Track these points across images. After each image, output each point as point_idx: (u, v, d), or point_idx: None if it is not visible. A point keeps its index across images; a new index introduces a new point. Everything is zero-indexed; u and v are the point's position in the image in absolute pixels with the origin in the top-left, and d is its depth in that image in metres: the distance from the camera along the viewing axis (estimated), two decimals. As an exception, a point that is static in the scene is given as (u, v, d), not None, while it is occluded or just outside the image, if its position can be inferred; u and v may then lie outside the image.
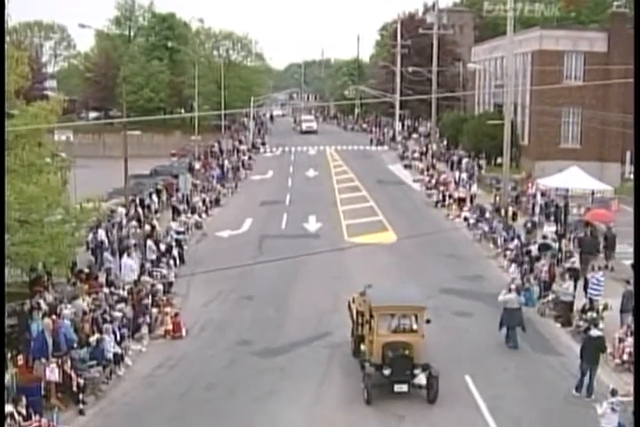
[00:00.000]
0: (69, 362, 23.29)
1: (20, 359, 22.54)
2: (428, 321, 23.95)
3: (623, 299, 28.19)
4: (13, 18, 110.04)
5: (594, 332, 24.13)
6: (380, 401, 22.50)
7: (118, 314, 27.68)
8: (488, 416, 21.82)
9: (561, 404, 22.75)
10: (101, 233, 38.11)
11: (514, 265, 35.16)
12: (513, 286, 28.88)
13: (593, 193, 47.33)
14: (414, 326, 23.65)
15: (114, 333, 25.97)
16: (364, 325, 24.90)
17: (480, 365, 25.58)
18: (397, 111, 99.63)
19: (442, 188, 57.77)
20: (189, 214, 49.00)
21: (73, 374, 22.92)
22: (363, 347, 24.82)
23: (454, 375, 23.79)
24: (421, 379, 22.73)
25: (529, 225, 41.96)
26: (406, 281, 26.85)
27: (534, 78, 65.98)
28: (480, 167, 65.22)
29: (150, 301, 30.30)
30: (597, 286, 29.91)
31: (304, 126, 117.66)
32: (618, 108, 58.89)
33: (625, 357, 25.12)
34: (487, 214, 45.94)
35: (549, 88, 59.40)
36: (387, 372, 22.73)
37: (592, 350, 23.53)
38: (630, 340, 25.09)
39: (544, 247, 36.51)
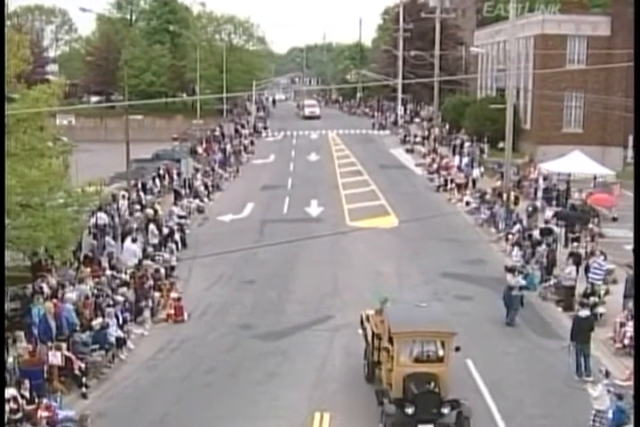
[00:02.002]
0: (72, 346, 23.37)
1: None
2: (457, 349, 20.76)
3: (627, 284, 28.25)
4: (14, 2, 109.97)
5: (582, 312, 24.39)
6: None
7: (120, 298, 27.75)
8: (489, 400, 21.91)
9: (562, 387, 22.80)
10: (103, 217, 38.18)
11: (515, 249, 35.18)
12: (509, 265, 29.34)
13: (595, 177, 47.35)
14: (440, 353, 20.53)
15: (116, 317, 26.06)
16: (380, 350, 21.70)
17: (481, 349, 25.62)
18: (399, 95, 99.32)
19: (444, 172, 57.75)
20: (191, 199, 49.01)
21: (75, 358, 23.00)
22: (377, 372, 22.21)
23: (456, 359, 23.76)
24: (450, 418, 19.67)
25: (530, 209, 42.04)
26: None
27: (537, 62, 65.74)
28: (482, 151, 65.08)
29: (152, 285, 30.35)
30: (599, 271, 30.00)
31: (306, 111, 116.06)
32: (620, 92, 58.66)
33: (626, 341, 25.18)
34: (489, 199, 45.90)
35: (552, 72, 59.22)
36: (410, 410, 19.50)
37: (581, 330, 23.84)
38: (631, 324, 25.15)
39: (545, 232, 36.61)
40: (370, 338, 22.77)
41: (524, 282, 29.22)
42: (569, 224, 39.25)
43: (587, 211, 41.62)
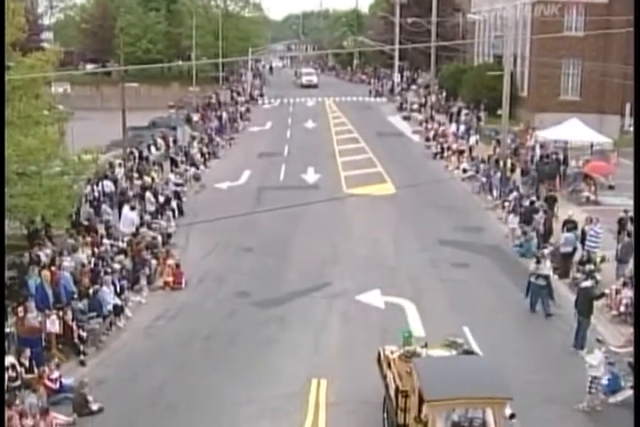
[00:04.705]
0: (70, 314, 23.42)
1: (21, 311, 22.62)
2: (511, 416, 16.20)
3: (622, 249, 28.26)
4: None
5: (584, 283, 24.27)
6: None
7: (117, 266, 27.80)
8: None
9: (558, 354, 22.90)
10: (109, 185, 38.20)
11: (512, 216, 35.20)
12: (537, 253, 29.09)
13: (592, 145, 47.27)
14: (489, 423, 15.35)
15: (113, 284, 26.08)
16: (407, 410, 16.48)
17: (478, 316, 25.71)
18: (396, 62, 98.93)
19: (441, 139, 57.65)
20: (188, 166, 48.92)
21: (73, 326, 23.07)
22: None
23: (452, 325, 23.87)
24: None
25: (527, 177, 42.33)
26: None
27: (534, 29, 65.36)
28: (479, 119, 64.94)
29: (149, 252, 30.36)
30: (595, 238, 29.98)
31: (304, 80, 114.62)
32: (618, 59, 58.47)
33: (622, 308, 25.22)
34: (486, 166, 45.85)
35: (550, 39, 58.84)
36: None
37: (583, 302, 23.53)
38: (626, 291, 25.20)
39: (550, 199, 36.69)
40: (392, 392, 17.39)
41: (547, 272, 26.80)
42: (542, 178, 41.27)
43: (553, 167, 42.68)
